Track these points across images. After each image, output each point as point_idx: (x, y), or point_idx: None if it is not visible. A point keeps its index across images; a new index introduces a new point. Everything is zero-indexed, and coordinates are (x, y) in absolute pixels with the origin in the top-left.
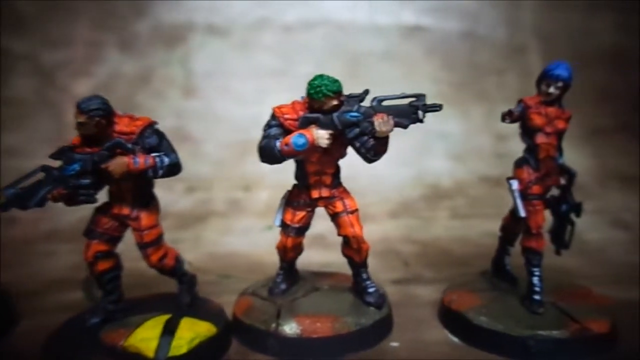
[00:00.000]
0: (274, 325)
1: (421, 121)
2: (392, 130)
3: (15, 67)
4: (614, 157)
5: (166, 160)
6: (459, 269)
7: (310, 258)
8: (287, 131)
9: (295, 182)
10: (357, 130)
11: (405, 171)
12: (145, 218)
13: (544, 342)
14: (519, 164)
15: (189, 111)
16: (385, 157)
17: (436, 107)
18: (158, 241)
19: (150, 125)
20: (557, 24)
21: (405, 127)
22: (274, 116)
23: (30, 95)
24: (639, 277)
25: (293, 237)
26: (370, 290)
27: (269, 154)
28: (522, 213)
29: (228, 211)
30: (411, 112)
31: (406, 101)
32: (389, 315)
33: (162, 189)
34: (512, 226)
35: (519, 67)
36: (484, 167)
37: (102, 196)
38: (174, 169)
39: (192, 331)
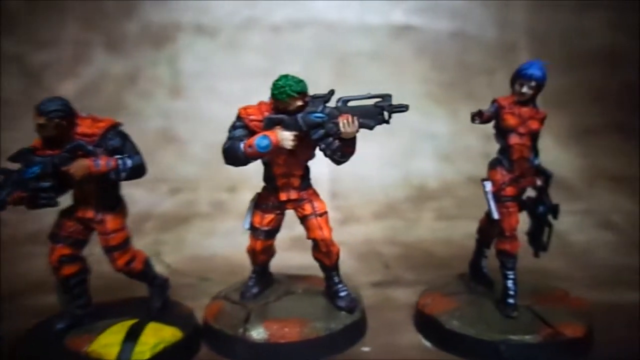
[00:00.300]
0: (241, 330)
1: (387, 122)
2: (357, 131)
3: (2, 68)
4: (604, 157)
5: (129, 162)
6: (440, 271)
7: (289, 260)
8: (252, 132)
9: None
10: (322, 131)
11: (392, 172)
12: (110, 221)
13: (516, 347)
14: (493, 165)
15: (175, 112)
16: (372, 158)
17: (402, 108)
18: (124, 245)
19: (114, 127)
20: (548, 23)
21: (371, 128)
22: (239, 117)
23: (16, 96)
24: (622, 279)
25: (262, 240)
26: (342, 294)
27: (233, 156)
28: (496, 215)
29: (212, 213)
30: (377, 112)
31: (372, 102)
32: (362, 320)
33: (146, 191)
34: (488, 228)
35: (509, 66)
36: (472, 167)
37: (67, 199)
38: (138, 171)
39: (156, 336)
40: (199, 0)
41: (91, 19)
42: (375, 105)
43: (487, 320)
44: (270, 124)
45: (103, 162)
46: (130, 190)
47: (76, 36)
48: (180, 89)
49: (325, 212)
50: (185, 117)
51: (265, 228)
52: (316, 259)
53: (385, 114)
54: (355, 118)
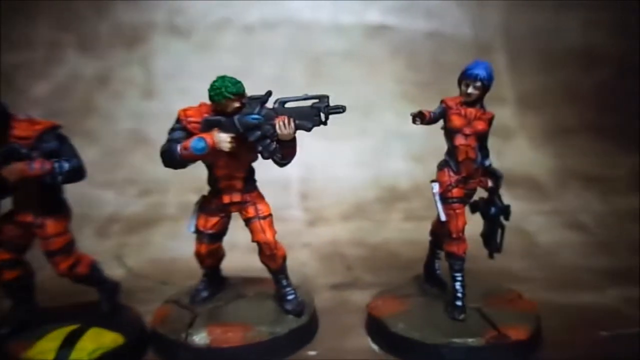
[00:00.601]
0: (184, 335)
1: (324, 123)
2: (293, 133)
3: None
4: (576, 157)
5: (66, 165)
6: (402, 273)
7: (253, 263)
8: (191, 134)
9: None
10: (258, 133)
11: (363, 172)
12: (51, 225)
13: (458, 350)
14: (441, 166)
15: (147, 113)
16: (344, 159)
17: (339, 109)
18: (66, 249)
19: (51, 129)
20: (524, 23)
21: (308, 129)
22: (178, 119)
23: None
24: (583, 280)
25: (207, 243)
26: (289, 297)
27: (170, 159)
28: (443, 217)
29: (179, 215)
30: (313, 114)
31: (309, 103)
32: (310, 323)
33: (116, 192)
34: (440, 230)
35: None
36: None
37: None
38: (76, 174)
39: (95, 342)
40: (172, 0)
41: (63, 19)
42: (312, 106)
43: (435, 323)
44: (207, 126)
45: (38, 166)
46: (99, 192)
47: (48, 37)
48: (153, 90)
49: (270, 215)
50: (157, 118)
51: (210, 231)
52: (262, 262)
53: (322, 115)
54: (291, 119)
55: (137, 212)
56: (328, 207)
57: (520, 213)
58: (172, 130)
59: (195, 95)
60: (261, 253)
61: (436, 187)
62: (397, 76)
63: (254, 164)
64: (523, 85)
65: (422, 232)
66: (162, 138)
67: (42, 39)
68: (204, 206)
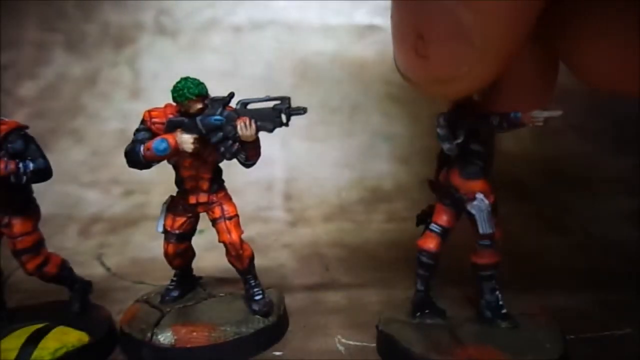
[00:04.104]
0: (149, 334)
1: (286, 124)
2: (255, 134)
3: None
4: (561, 159)
5: (31, 165)
6: (380, 274)
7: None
8: (155, 135)
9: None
10: (220, 134)
11: (348, 173)
12: (18, 224)
13: None
14: (474, 175)
15: (134, 113)
16: (328, 160)
17: (300, 111)
18: (34, 248)
19: (16, 130)
20: None
21: (269, 131)
22: (143, 120)
23: None
24: (560, 282)
25: (174, 243)
26: (257, 297)
27: (133, 159)
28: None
29: None
30: (275, 115)
31: (272, 104)
32: (278, 324)
33: (101, 192)
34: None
35: None
36: (428, 169)
37: None
38: (42, 174)
39: (59, 341)
40: (159, 0)
41: (51, 19)
42: (273, 108)
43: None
44: (171, 127)
45: (2, 166)
46: (84, 192)
47: (36, 37)
48: (140, 91)
49: (236, 216)
50: None
51: (177, 231)
52: (229, 262)
53: (284, 116)
54: (253, 121)
55: (120, 212)
56: (310, 208)
57: (503, 214)
58: (137, 131)
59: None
60: (228, 253)
61: (484, 199)
62: (383, 77)
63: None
64: None
65: (403, 233)
66: None
67: (29, 39)
68: (172, 206)
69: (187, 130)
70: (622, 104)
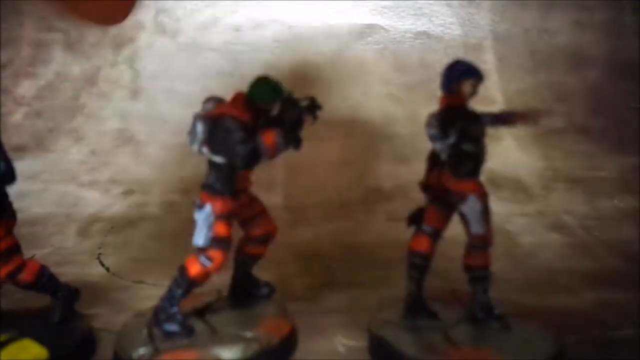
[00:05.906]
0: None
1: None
2: None
3: None
4: (563, 159)
5: None
6: (379, 273)
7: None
8: None
9: None
10: None
11: (348, 173)
12: None
13: None
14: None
15: (133, 113)
16: (329, 159)
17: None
18: (7, 255)
19: None
20: (513, 23)
21: None
22: None
23: None
24: (558, 282)
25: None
26: None
27: None
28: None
29: (161, 215)
30: None
31: None
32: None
33: (100, 192)
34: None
35: None
36: None
37: None
38: (4, 178)
39: (13, 356)
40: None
41: (50, 18)
42: None
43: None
44: None
45: None
46: (84, 192)
47: (34, 36)
48: (139, 90)
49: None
50: (143, 119)
51: None
52: None
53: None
54: None
55: (120, 211)
56: (310, 208)
57: (503, 214)
58: None
59: (181, 95)
60: None
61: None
62: (383, 77)
63: None
64: (512, 85)
65: (404, 233)
66: (147, 138)
67: (28, 38)
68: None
69: None
70: (622, 104)
